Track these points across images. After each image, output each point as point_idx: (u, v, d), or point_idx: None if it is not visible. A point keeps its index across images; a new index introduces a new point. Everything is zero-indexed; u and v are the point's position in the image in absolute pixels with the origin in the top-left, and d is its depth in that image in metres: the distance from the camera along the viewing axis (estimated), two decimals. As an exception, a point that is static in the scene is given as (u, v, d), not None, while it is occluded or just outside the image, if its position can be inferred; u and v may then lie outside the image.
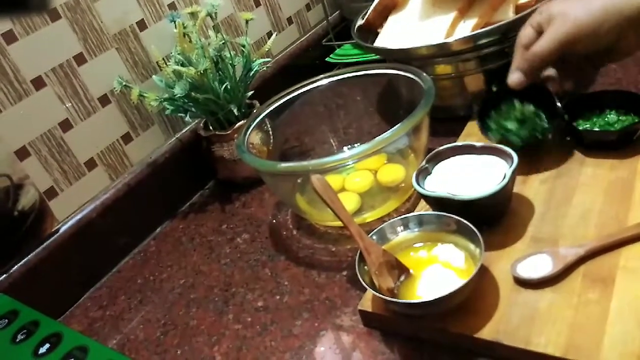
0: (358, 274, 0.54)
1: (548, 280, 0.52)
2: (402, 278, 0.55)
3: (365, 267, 0.55)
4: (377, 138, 0.63)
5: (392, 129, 0.63)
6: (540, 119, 0.66)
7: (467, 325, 0.50)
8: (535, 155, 0.67)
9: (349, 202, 0.73)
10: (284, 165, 0.70)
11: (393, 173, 0.75)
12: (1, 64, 0.71)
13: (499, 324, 0.50)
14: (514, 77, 0.64)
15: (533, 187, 0.64)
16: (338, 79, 0.82)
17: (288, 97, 0.82)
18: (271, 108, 0.81)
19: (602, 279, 0.50)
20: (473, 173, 0.61)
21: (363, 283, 0.53)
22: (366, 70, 0.81)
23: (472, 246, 0.54)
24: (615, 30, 0.57)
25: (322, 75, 0.83)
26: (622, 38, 0.58)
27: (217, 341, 0.62)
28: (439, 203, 0.59)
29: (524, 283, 0.52)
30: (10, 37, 0.71)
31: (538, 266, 0.53)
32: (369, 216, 0.71)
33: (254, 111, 0.81)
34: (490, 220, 0.60)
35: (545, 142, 0.66)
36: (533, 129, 0.65)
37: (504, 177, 0.57)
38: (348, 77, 0.82)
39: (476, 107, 0.75)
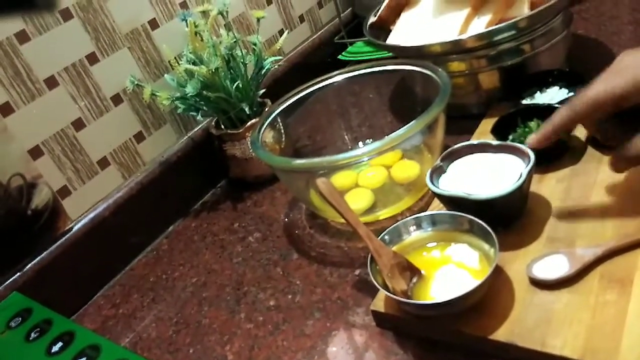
0: (370, 274, 0.53)
1: (565, 281, 0.51)
2: (415, 280, 0.55)
3: (378, 267, 0.54)
4: (391, 135, 0.62)
5: (407, 125, 0.62)
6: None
7: (481, 327, 0.50)
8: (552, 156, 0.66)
9: (362, 199, 0.72)
10: (298, 162, 0.69)
11: (407, 170, 0.74)
12: (14, 63, 0.71)
13: (514, 326, 0.49)
14: (538, 134, 0.57)
15: (549, 186, 0.63)
16: (351, 76, 0.81)
17: (301, 95, 0.81)
18: (284, 105, 0.80)
19: (620, 280, 0.49)
20: (488, 172, 0.60)
21: (376, 284, 0.52)
22: (381, 66, 0.80)
23: (486, 246, 0.53)
24: None
25: (335, 72, 0.82)
26: None
27: (229, 340, 0.62)
28: (454, 202, 0.58)
29: (540, 284, 0.52)
30: (23, 37, 0.72)
31: (554, 267, 0.52)
32: (382, 214, 0.71)
33: (267, 109, 0.81)
34: (506, 220, 0.59)
35: (564, 148, 0.66)
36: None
37: (520, 177, 0.56)
38: (361, 74, 0.81)
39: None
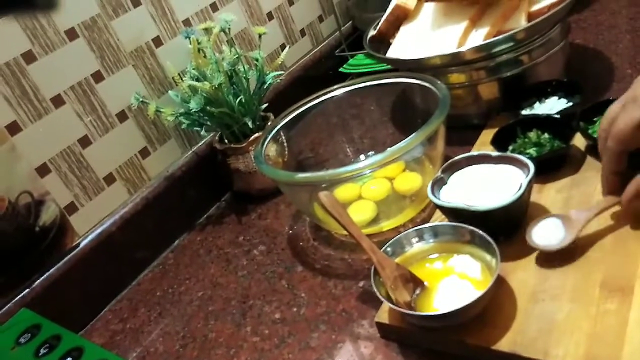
0: (374, 286, 0.54)
1: (566, 250, 0.54)
2: (418, 291, 0.55)
3: (381, 279, 0.55)
4: (392, 147, 0.63)
5: (408, 138, 0.63)
6: (556, 143, 0.67)
7: (484, 337, 0.50)
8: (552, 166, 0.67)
9: (365, 211, 0.73)
10: (301, 175, 0.70)
11: (410, 182, 0.75)
12: (21, 83, 0.72)
13: (517, 336, 0.49)
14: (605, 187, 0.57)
15: (549, 196, 0.63)
16: (352, 89, 0.82)
17: (303, 108, 0.82)
18: (287, 119, 0.81)
19: (621, 289, 0.50)
20: (489, 183, 0.61)
21: (379, 296, 0.53)
22: (381, 79, 0.81)
23: (488, 257, 0.54)
24: None
25: (336, 85, 0.83)
26: None
27: (235, 354, 0.63)
28: (455, 214, 0.59)
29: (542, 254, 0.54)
30: (29, 57, 0.73)
31: (552, 232, 0.55)
32: (385, 225, 0.71)
33: (270, 123, 0.82)
34: (507, 230, 0.59)
35: (563, 158, 0.67)
36: (551, 149, 0.66)
37: (520, 187, 0.56)
38: (362, 87, 0.82)
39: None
